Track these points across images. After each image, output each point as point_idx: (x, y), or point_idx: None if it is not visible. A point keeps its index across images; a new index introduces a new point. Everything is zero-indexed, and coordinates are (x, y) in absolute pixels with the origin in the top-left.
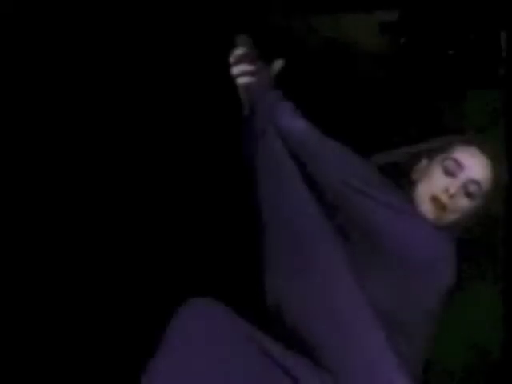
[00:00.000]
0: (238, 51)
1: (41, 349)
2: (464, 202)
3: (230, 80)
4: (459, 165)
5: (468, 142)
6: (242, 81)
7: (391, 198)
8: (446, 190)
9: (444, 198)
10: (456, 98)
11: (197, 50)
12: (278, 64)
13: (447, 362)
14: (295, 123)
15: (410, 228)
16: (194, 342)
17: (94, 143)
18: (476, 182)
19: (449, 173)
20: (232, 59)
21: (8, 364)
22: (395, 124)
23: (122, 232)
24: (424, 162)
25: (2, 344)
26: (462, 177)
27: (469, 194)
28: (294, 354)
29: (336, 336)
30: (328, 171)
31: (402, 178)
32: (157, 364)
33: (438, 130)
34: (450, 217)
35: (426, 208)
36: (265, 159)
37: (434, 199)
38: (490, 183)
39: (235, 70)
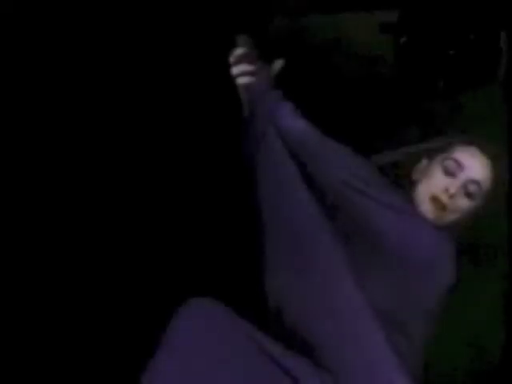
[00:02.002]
0: (238, 51)
1: (41, 349)
2: (464, 202)
3: (231, 80)
4: (459, 165)
5: (468, 142)
6: (241, 81)
7: (391, 198)
8: (446, 190)
9: (444, 198)
10: (456, 98)
11: (197, 50)
12: (278, 64)
13: (447, 362)
14: (295, 123)
15: (410, 228)
16: (194, 342)
17: (94, 143)
18: (476, 182)
19: (449, 173)
20: (232, 59)
21: (8, 364)
22: (395, 124)
23: (122, 232)
24: (424, 162)
25: (2, 344)
26: (462, 177)
27: (469, 194)
28: (293, 354)
29: (336, 336)
30: (328, 171)
31: (401, 178)
32: (157, 364)
33: (438, 130)
34: (450, 217)
35: (426, 208)
36: (265, 159)
37: (434, 199)
38: (490, 183)
39: (235, 70)
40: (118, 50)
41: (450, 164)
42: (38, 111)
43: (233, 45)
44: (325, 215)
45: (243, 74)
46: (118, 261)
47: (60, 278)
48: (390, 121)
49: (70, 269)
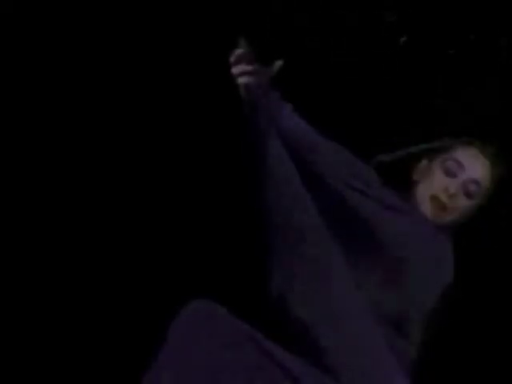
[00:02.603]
0: (238, 51)
1: (41, 349)
2: (464, 202)
3: (232, 80)
4: (460, 165)
5: (468, 143)
6: (241, 80)
7: (391, 198)
8: (446, 190)
9: (444, 198)
10: (456, 98)
11: (198, 50)
12: (278, 64)
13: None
14: (295, 124)
15: (410, 228)
16: (194, 344)
17: (94, 143)
18: (476, 182)
19: (450, 173)
20: (232, 59)
21: (8, 364)
22: (395, 124)
23: (122, 234)
24: (424, 162)
25: (2, 344)
26: (463, 177)
27: (468, 194)
28: (294, 354)
29: (336, 336)
30: (327, 172)
31: (402, 178)
32: (157, 365)
33: (438, 130)
34: (450, 217)
35: (426, 208)
36: (264, 160)
37: (434, 199)
38: (490, 183)
39: (235, 70)
40: (118, 49)
41: (451, 164)
42: (38, 111)
43: (234, 45)
44: (325, 215)
45: (243, 73)
46: (119, 262)
47: (61, 280)
48: (391, 120)
49: (71, 270)
